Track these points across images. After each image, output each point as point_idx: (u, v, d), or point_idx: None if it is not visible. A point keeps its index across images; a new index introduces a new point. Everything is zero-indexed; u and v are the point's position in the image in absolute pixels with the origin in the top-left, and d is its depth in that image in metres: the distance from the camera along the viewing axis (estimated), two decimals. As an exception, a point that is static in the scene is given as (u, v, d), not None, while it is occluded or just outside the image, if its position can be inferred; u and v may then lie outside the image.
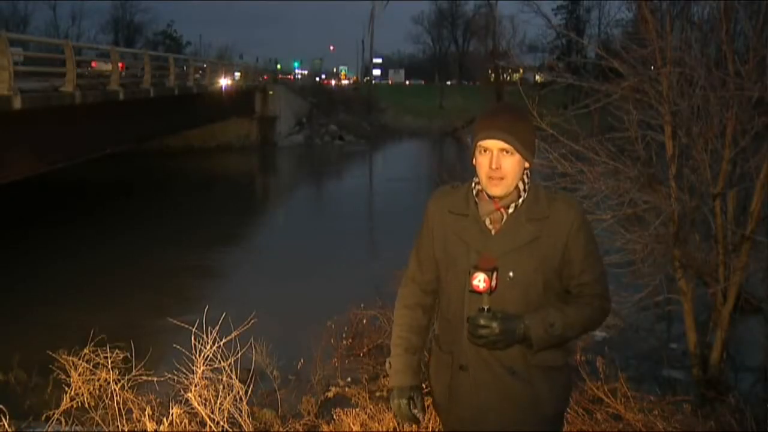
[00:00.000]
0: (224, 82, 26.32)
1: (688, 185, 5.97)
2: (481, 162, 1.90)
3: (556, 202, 1.95)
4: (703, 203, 6.07)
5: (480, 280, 1.82)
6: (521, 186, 1.93)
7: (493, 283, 1.83)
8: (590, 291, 1.96)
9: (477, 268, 1.83)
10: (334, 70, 72.78)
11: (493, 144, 1.88)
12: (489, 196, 1.93)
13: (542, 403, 1.94)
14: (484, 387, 1.94)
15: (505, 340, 1.85)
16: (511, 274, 1.88)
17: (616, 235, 6.07)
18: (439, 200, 2.03)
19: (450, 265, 1.98)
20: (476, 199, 1.96)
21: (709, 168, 5.79)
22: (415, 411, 2.06)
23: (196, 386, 3.29)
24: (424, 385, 2.17)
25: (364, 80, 58.47)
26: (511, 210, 1.92)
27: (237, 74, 27.66)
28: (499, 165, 1.87)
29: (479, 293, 1.83)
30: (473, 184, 1.98)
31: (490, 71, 42.95)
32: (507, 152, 1.88)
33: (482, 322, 1.83)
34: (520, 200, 1.92)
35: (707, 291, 6.29)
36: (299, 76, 55.25)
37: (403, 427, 3.54)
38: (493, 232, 1.93)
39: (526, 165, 1.92)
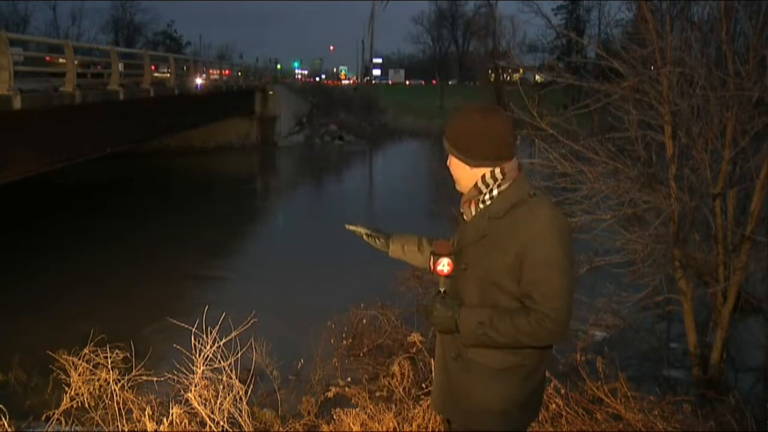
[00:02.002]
0: (198, 81, 24.34)
1: (688, 185, 5.96)
2: None
3: (523, 206, 1.92)
4: (703, 203, 6.07)
5: (432, 262, 2.00)
6: (481, 183, 2.00)
7: (441, 268, 1.98)
8: (531, 304, 1.87)
9: (433, 252, 2.01)
10: (334, 70, 72.95)
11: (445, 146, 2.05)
12: None
13: (475, 397, 1.99)
14: (439, 366, 2.11)
15: (442, 324, 1.99)
16: (464, 265, 1.99)
17: (616, 235, 6.07)
18: None
19: None
20: None
21: (709, 168, 5.79)
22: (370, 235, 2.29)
23: (196, 386, 3.30)
24: None
25: (365, 80, 58.56)
26: (481, 206, 2.01)
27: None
28: (448, 165, 2.06)
29: (434, 275, 2.01)
30: None
31: (490, 71, 42.95)
32: (450, 154, 2.04)
33: (427, 301, 2.02)
34: (486, 197, 1.99)
35: (707, 291, 6.29)
36: (298, 77, 55.28)
37: (403, 427, 3.55)
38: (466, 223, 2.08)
39: (486, 165, 1.97)
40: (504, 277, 1.91)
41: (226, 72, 31.69)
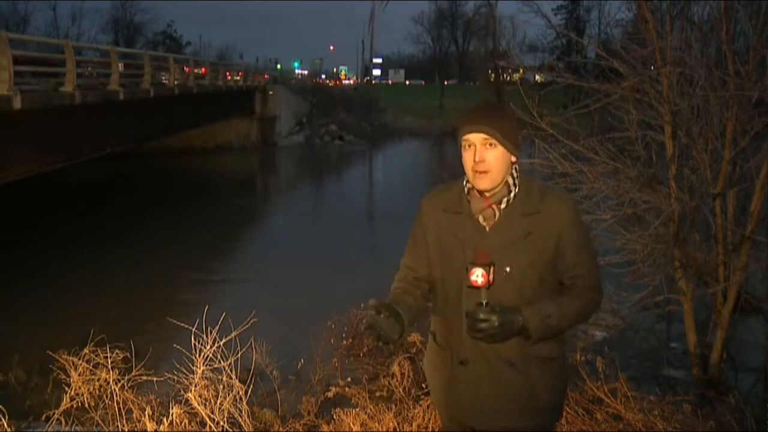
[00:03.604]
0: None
1: (688, 185, 5.96)
2: (466, 157, 1.96)
3: (549, 197, 1.99)
4: (703, 203, 6.06)
5: (478, 275, 1.86)
6: (510, 181, 1.97)
7: (491, 277, 1.86)
8: (583, 283, 1.99)
9: (474, 264, 1.87)
10: (335, 70, 72.92)
11: (476, 137, 1.93)
12: (479, 193, 1.97)
13: (538, 394, 1.99)
14: (484, 380, 1.99)
15: (504, 333, 1.88)
16: (507, 269, 1.92)
17: (616, 235, 6.06)
18: (432, 199, 2.08)
19: (446, 263, 2.02)
20: (468, 197, 2.00)
21: (709, 168, 5.78)
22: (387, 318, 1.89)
23: (196, 386, 3.30)
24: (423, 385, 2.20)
25: (365, 80, 58.58)
26: (503, 206, 1.97)
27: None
28: (482, 158, 1.92)
29: (477, 288, 1.87)
30: (465, 182, 2.02)
31: (490, 71, 42.95)
32: (490, 145, 1.93)
33: (482, 316, 1.85)
34: (512, 195, 1.97)
35: (707, 291, 6.28)
36: (298, 77, 55.24)
37: (403, 427, 3.55)
38: (487, 228, 1.97)
39: (513, 160, 1.97)
40: (545, 268, 1.97)
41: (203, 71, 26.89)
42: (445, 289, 2.04)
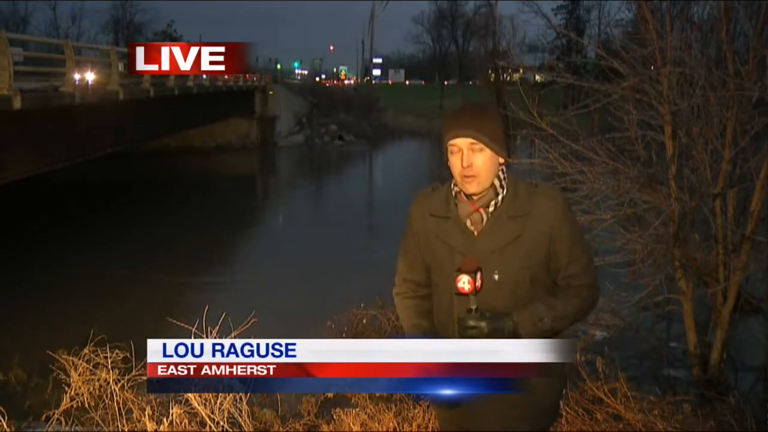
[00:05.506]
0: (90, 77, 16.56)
1: (688, 185, 5.96)
2: (454, 162, 1.93)
3: (537, 195, 1.94)
4: (703, 203, 6.07)
5: (464, 282, 1.82)
6: (497, 183, 1.94)
7: (478, 284, 1.83)
8: (578, 281, 1.95)
9: (460, 271, 1.84)
10: (335, 70, 72.85)
11: (462, 142, 1.91)
12: (466, 197, 1.94)
13: (538, 396, 1.96)
14: None
15: (495, 339, 1.85)
16: (496, 275, 1.90)
17: (616, 235, 6.06)
18: (420, 203, 2.05)
19: (437, 269, 2.01)
20: (456, 201, 1.97)
21: (709, 168, 5.79)
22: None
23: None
24: None
25: (365, 80, 58.64)
26: (491, 209, 1.94)
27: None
28: (470, 162, 1.90)
29: (465, 295, 1.84)
30: (452, 185, 1.99)
31: (490, 71, 42.94)
32: (477, 149, 1.90)
33: (471, 323, 1.83)
34: (499, 198, 1.94)
35: (707, 291, 6.28)
36: (299, 77, 55.21)
37: (403, 427, 3.55)
38: (475, 233, 1.94)
39: (501, 161, 1.94)
40: (539, 269, 1.93)
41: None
42: (439, 293, 2.03)
